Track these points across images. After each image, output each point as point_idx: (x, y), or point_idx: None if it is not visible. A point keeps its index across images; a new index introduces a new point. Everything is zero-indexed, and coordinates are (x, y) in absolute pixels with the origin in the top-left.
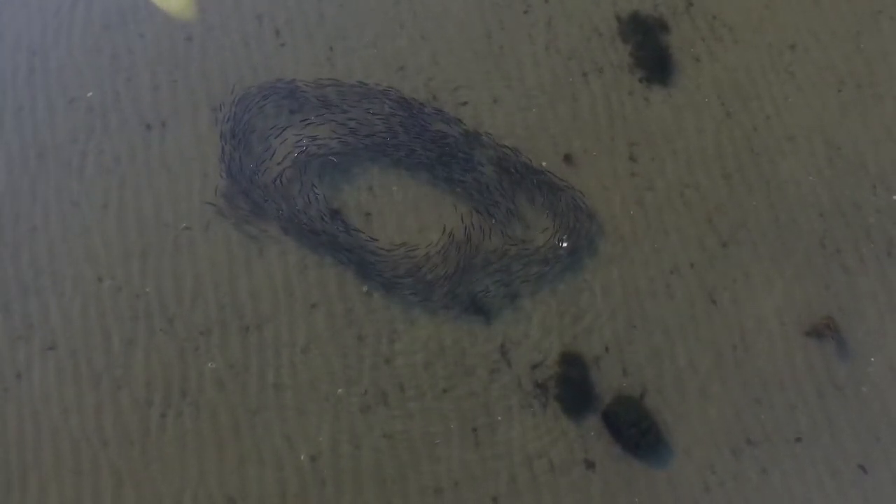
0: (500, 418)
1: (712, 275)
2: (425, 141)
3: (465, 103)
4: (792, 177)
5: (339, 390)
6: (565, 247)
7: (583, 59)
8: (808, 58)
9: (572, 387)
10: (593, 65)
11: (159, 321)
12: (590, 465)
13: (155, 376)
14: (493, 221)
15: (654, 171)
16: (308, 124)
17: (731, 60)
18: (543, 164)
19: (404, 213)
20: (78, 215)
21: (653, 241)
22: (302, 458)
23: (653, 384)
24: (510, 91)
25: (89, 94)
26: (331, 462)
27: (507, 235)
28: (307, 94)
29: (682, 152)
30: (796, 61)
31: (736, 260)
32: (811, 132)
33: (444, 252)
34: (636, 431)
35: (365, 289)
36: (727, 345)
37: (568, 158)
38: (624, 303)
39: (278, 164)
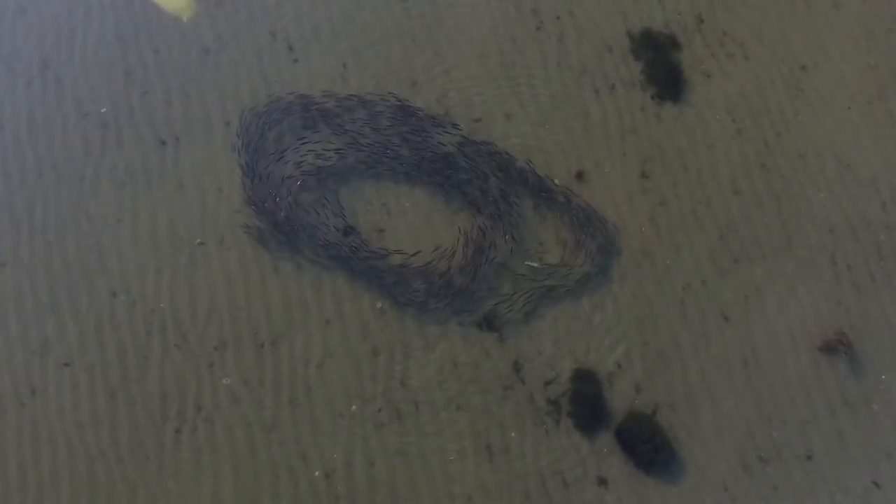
0: (513, 435)
1: (724, 291)
2: (426, 154)
3: (478, 119)
4: (802, 193)
5: (354, 407)
6: (578, 263)
7: (594, 75)
8: (818, 74)
9: (585, 403)
10: (605, 81)
11: (174, 336)
12: (602, 481)
13: (170, 391)
14: (506, 238)
15: (665, 187)
16: (315, 143)
17: (741, 77)
18: (556, 180)
19: (416, 227)
20: (92, 230)
21: (665, 257)
22: (316, 473)
23: (665, 401)
24: (522, 107)
25: (103, 109)
26: (345, 478)
27: (517, 244)
28: (317, 111)
29: (694, 169)
30: (806, 78)
31: (747, 276)
32: (821, 149)
33: (462, 260)
34: (649, 448)
35: (379, 305)
36: (739, 361)
37: (580, 175)
38: (636, 319)
39: (290, 190)
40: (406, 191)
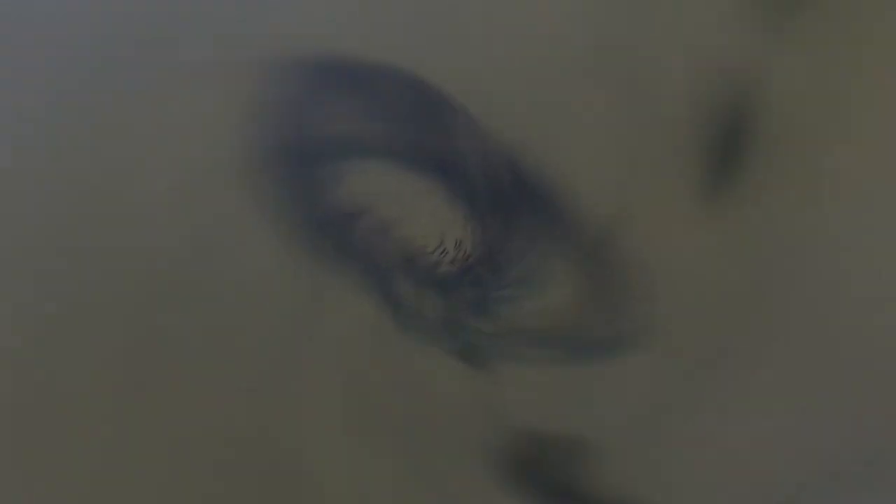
0: None
1: None
2: (433, 149)
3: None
4: None
5: None
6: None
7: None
8: None
9: None
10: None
11: None
12: None
13: None
14: (506, 249)
15: None
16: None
17: None
18: (566, 201)
19: (421, 226)
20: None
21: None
22: None
23: None
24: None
25: None
26: None
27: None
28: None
29: None
30: None
31: None
32: None
33: (465, 261)
34: None
35: (383, 316)
36: None
37: (598, 207)
38: None
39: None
40: (410, 187)
